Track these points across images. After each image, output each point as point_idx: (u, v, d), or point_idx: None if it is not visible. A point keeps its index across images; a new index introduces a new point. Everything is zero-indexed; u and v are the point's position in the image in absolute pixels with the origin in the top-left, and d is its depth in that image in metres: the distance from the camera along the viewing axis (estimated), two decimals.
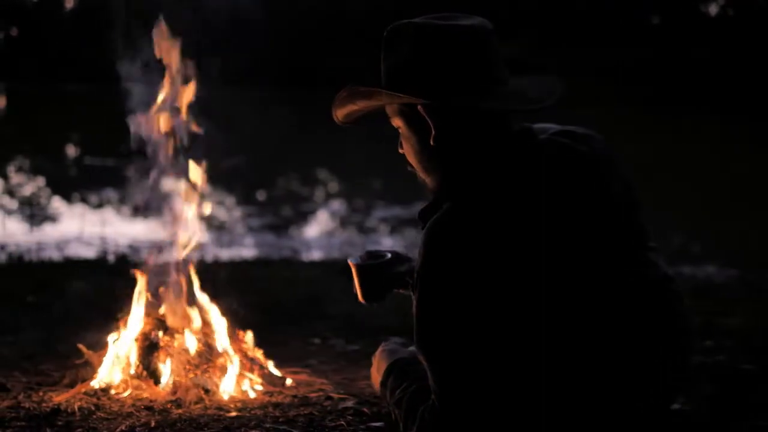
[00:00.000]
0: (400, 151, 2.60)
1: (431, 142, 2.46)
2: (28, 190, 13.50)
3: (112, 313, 3.64)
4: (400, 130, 2.56)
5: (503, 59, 2.51)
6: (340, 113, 2.62)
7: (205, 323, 3.61)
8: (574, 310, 2.34)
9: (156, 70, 3.59)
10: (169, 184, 3.72)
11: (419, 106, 2.45)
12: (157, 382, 3.40)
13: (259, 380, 3.51)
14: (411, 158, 2.56)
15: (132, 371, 3.45)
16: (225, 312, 3.67)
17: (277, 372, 3.61)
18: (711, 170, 15.83)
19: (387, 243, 10.06)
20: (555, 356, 2.34)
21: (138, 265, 3.71)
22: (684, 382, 2.58)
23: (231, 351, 3.56)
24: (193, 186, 3.63)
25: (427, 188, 2.57)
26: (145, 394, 3.34)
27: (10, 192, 13.18)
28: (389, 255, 2.92)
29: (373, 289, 2.88)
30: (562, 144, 2.45)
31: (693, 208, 12.00)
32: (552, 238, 2.34)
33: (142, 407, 3.20)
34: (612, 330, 2.36)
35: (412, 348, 2.89)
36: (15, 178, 14.73)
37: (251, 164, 14.82)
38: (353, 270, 2.88)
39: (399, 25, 2.51)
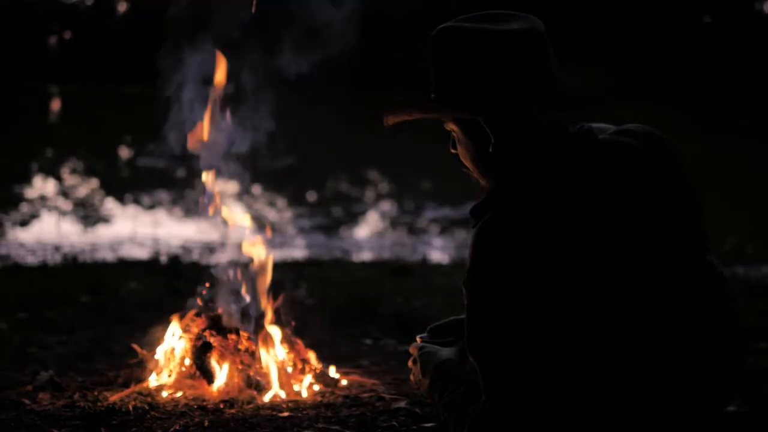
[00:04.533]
0: (452, 151, 2.56)
1: (490, 150, 2.43)
2: (82, 191, 13.66)
3: (166, 312, 3.67)
4: (454, 134, 2.52)
5: (555, 57, 2.46)
6: (391, 120, 2.56)
7: (258, 324, 3.62)
8: (627, 310, 2.32)
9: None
10: (222, 185, 3.74)
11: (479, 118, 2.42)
12: (210, 382, 3.43)
13: (312, 381, 3.53)
14: (467, 162, 2.52)
15: (185, 371, 3.48)
16: (277, 312, 3.68)
17: (329, 372, 3.62)
18: (764, 171, 15.66)
19: (437, 243, 10.05)
20: (606, 356, 2.32)
21: (191, 265, 3.74)
22: (738, 383, 2.55)
23: (283, 351, 3.57)
24: (247, 187, 3.66)
25: (481, 188, 2.54)
26: (199, 394, 3.37)
27: (65, 193, 13.34)
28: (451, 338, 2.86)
29: None
30: (622, 143, 2.41)
31: (746, 208, 11.88)
32: (606, 238, 2.32)
33: (196, 407, 3.22)
34: (665, 330, 2.34)
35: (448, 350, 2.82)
36: (69, 179, 14.91)
37: (302, 165, 14.88)
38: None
39: (449, 29, 2.43)
